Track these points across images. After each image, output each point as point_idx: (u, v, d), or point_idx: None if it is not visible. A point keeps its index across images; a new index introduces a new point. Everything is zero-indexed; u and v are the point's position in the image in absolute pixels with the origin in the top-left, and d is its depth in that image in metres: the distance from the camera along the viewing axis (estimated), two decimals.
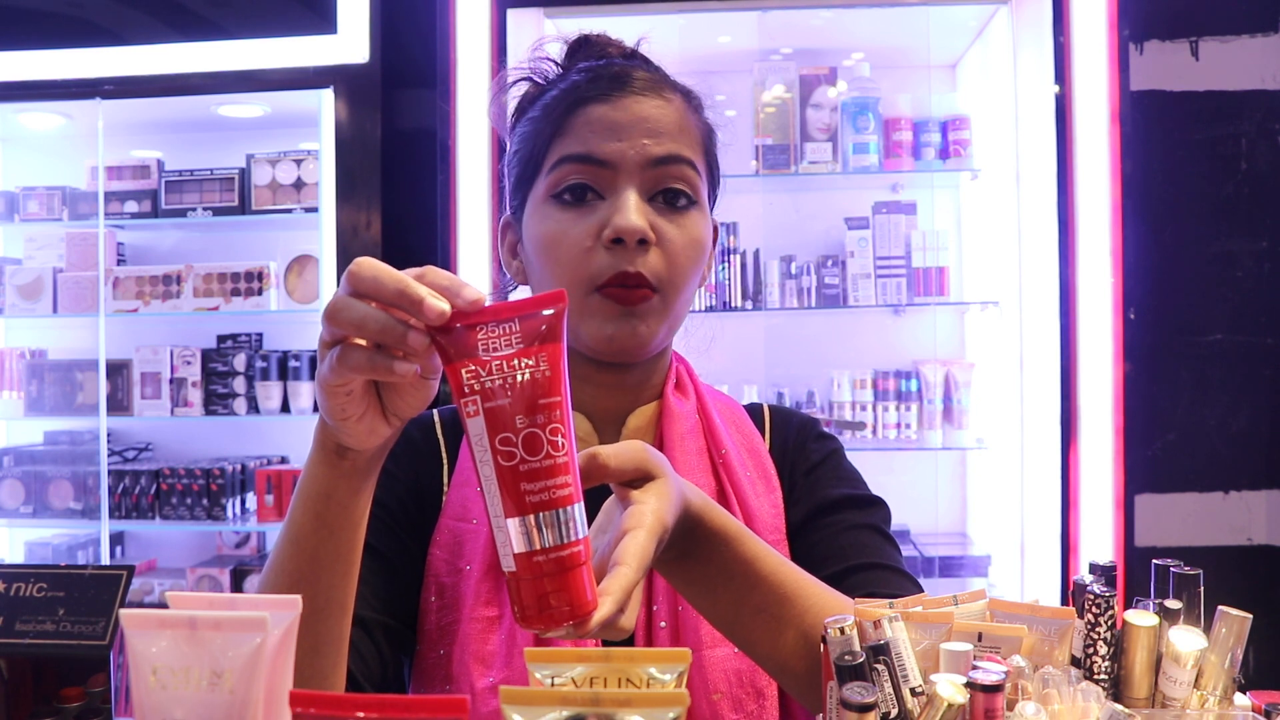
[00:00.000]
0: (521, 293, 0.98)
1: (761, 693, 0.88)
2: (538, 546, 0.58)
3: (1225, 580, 2.60)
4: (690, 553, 0.73)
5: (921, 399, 2.83)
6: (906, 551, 2.43)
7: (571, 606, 0.59)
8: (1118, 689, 0.67)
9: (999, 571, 2.72)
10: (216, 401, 3.03)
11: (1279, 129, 2.76)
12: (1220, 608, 0.67)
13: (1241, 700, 0.66)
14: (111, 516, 3.00)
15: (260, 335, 3.13)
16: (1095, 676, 0.66)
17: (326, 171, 2.86)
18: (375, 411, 0.65)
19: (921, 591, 0.79)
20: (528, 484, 0.58)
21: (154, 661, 0.51)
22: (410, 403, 0.65)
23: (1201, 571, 0.69)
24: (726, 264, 2.77)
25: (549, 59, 0.98)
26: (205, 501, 2.97)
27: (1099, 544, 2.41)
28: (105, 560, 3.06)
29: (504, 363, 0.58)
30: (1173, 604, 0.68)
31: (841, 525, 0.94)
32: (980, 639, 0.65)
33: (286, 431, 3.21)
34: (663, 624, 0.88)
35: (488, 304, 0.60)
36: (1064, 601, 1.02)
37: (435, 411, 1.01)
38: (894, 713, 0.60)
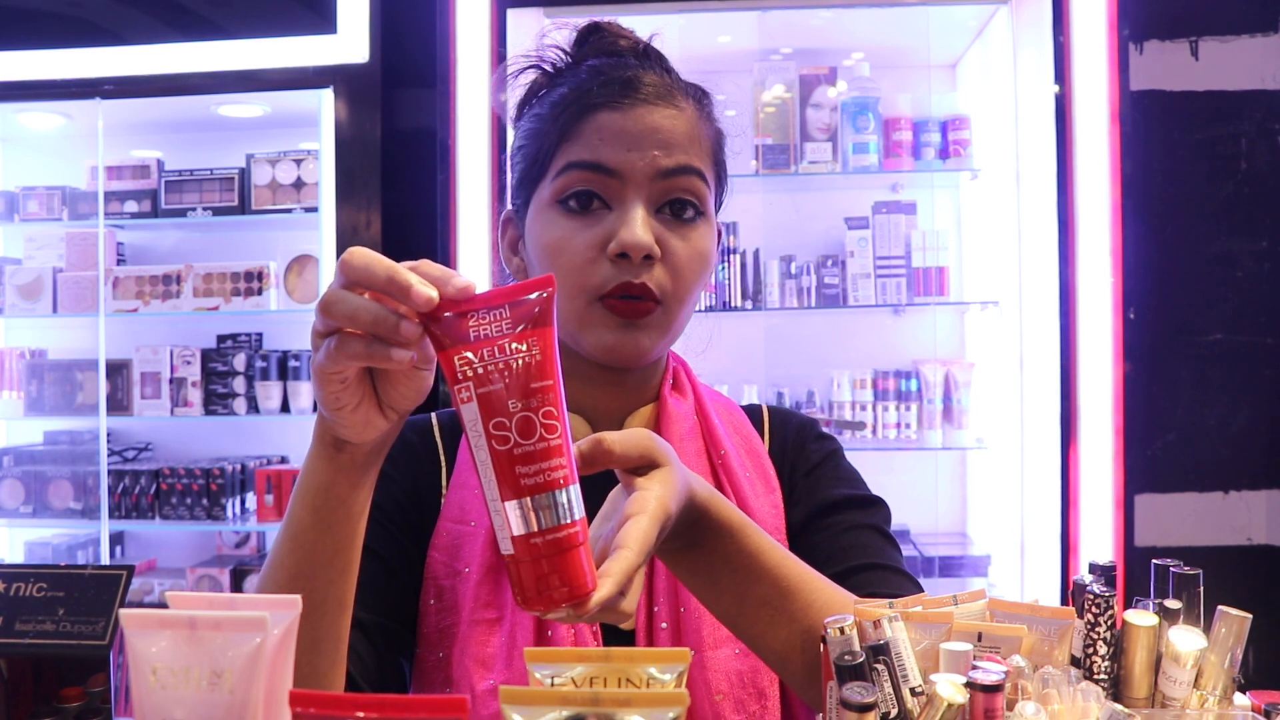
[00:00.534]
0: None
1: (763, 693, 0.88)
2: (535, 529, 0.59)
3: (1225, 580, 2.60)
4: (695, 544, 0.73)
5: (921, 399, 2.83)
6: (906, 551, 2.43)
7: (570, 588, 0.59)
8: (1117, 689, 0.67)
9: (999, 571, 2.72)
10: (216, 401, 3.03)
11: (1279, 129, 2.76)
12: (1220, 608, 0.67)
13: (1241, 700, 0.66)
14: (111, 516, 3.00)
15: (260, 335, 3.13)
16: (1095, 676, 0.66)
17: (326, 171, 2.86)
18: (370, 402, 0.65)
19: (922, 591, 0.79)
20: (523, 467, 0.59)
21: (154, 661, 0.51)
22: (405, 393, 0.65)
23: (1201, 571, 0.69)
24: (726, 264, 2.77)
25: (557, 47, 0.96)
26: (205, 501, 2.97)
27: (1099, 544, 2.41)
28: (105, 560, 3.06)
29: (495, 348, 0.59)
30: (1172, 604, 0.68)
31: (842, 526, 0.94)
32: (980, 639, 0.65)
33: (286, 431, 3.21)
34: (664, 625, 0.88)
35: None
36: (1064, 601, 1.02)
37: (433, 415, 1.01)
38: (894, 713, 0.60)
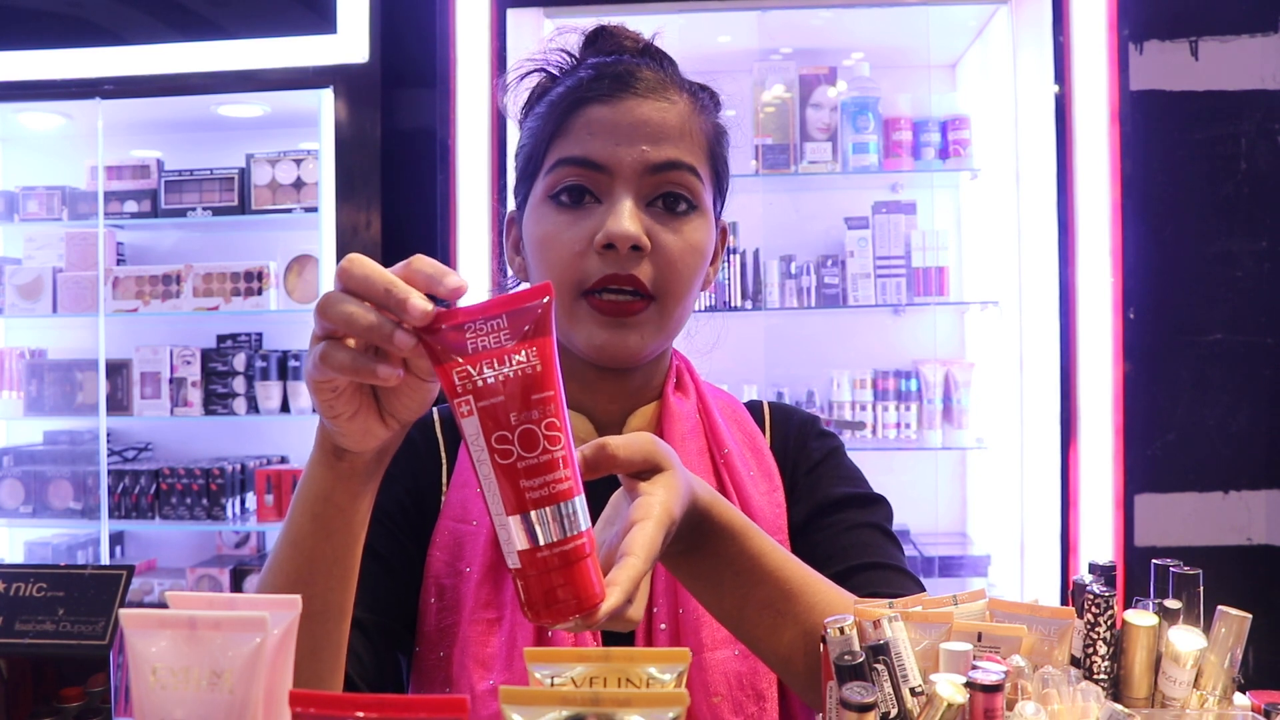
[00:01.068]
0: None
1: (762, 695, 0.88)
2: (541, 542, 0.58)
3: (1225, 580, 2.59)
4: (697, 547, 0.73)
5: (921, 399, 2.83)
6: (907, 551, 2.43)
7: (579, 599, 0.58)
8: (1117, 689, 0.67)
9: (999, 571, 2.72)
10: (216, 401, 3.03)
11: (1279, 129, 2.76)
12: (1220, 607, 0.67)
13: (1241, 700, 0.66)
14: (111, 516, 3.00)
15: (260, 335, 3.13)
16: (1095, 676, 0.66)
17: (326, 171, 2.86)
18: (369, 411, 0.65)
19: (924, 590, 0.79)
20: (527, 481, 0.58)
21: (154, 661, 0.51)
22: (407, 405, 0.65)
23: (1201, 571, 0.69)
24: (727, 264, 2.77)
25: (564, 50, 0.96)
26: (205, 501, 2.97)
27: (1099, 544, 2.41)
28: (105, 560, 3.06)
29: (494, 360, 0.58)
30: (1172, 604, 0.68)
31: (843, 524, 0.94)
32: (980, 639, 0.65)
33: (286, 431, 3.21)
34: (663, 626, 0.88)
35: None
36: (1064, 601, 1.03)
37: (435, 410, 1.00)
38: (894, 712, 0.60)
